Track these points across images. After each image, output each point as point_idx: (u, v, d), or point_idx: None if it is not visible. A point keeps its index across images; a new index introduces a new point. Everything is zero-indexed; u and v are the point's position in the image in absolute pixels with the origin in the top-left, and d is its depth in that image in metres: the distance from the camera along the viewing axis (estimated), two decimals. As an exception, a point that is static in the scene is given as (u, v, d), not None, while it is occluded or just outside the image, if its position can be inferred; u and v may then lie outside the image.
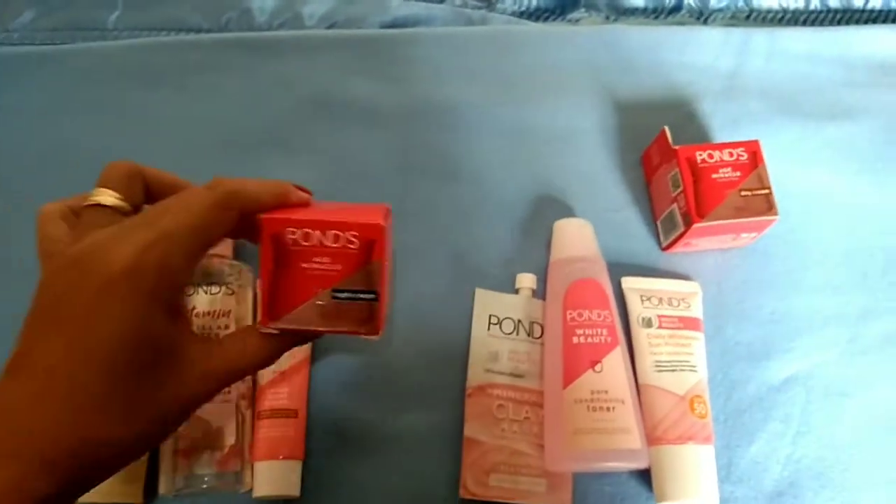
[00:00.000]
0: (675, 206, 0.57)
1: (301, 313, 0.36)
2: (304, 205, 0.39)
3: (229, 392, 0.50)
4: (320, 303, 0.36)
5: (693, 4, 0.76)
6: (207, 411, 0.49)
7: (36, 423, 0.29)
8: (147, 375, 0.32)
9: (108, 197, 0.35)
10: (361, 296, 0.36)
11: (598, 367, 0.51)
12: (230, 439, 0.50)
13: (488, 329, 0.57)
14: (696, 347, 0.55)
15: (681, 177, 0.56)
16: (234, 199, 0.35)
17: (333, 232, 0.36)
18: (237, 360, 0.36)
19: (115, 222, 0.34)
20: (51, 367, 0.30)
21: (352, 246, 0.36)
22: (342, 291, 0.36)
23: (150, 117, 0.64)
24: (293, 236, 0.36)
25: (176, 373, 0.33)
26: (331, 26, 0.70)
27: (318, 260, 0.36)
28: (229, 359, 0.35)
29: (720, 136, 0.64)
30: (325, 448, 0.53)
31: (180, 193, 0.35)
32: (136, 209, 0.36)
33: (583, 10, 0.76)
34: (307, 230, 0.35)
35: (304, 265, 0.36)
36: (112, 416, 0.31)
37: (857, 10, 0.76)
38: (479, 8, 0.74)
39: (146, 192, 0.37)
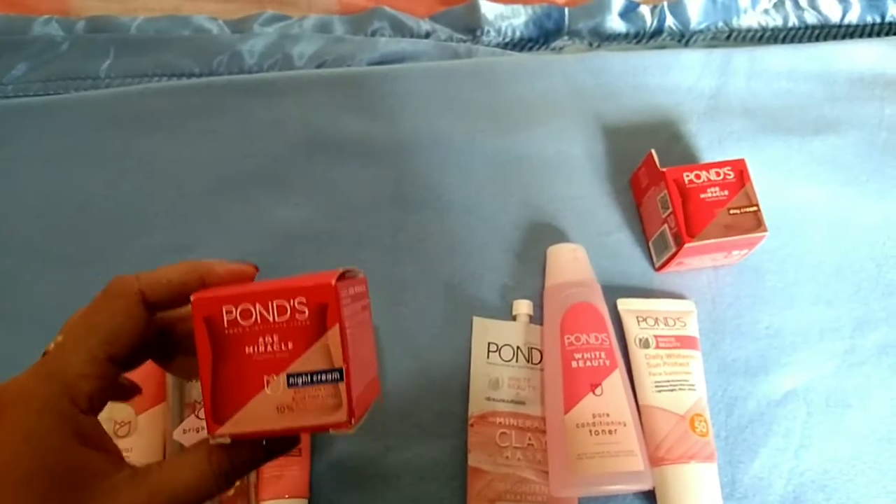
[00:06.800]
0: (665, 226, 0.58)
1: (252, 411, 0.29)
2: (242, 279, 0.33)
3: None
4: (274, 393, 0.29)
5: (674, 27, 0.77)
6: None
7: None
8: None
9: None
10: (323, 376, 0.29)
11: (598, 391, 0.51)
12: (236, 480, 0.50)
13: (487, 357, 0.57)
14: (693, 366, 0.55)
15: (669, 198, 0.57)
16: (123, 284, 0.31)
17: (277, 302, 0.30)
18: (180, 488, 0.29)
19: None
20: None
21: (301, 316, 0.29)
22: (298, 375, 0.29)
23: (145, 163, 0.65)
24: (231, 316, 0.30)
25: (97, 497, 0.28)
26: (320, 65, 0.71)
27: (264, 340, 0.30)
28: (169, 487, 0.29)
29: (706, 156, 0.66)
30: (330, 485, 0.53)
31: None
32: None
33: (566, 37, 0.77)
34: (246, 305, 0.30)
35: (249, 349, 0.30)
36: None
37: (834, 26, 0.78)
38: (464, 41, 0.76)
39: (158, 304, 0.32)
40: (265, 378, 0.29)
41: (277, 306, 0.29)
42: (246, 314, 0.29)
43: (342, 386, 0.29)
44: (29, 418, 0.27)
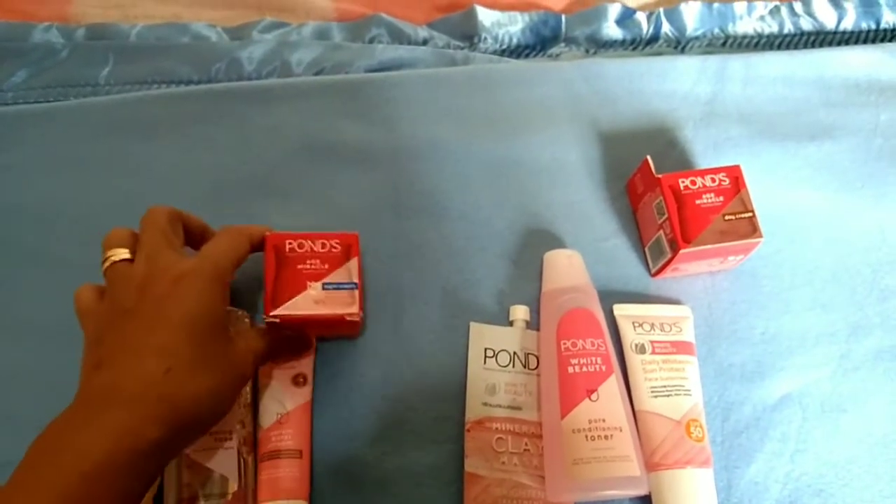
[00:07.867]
0: (661, 232, 0.58)
1: (297, 303, 0.49)
2: None
3: (230, 439, 0.51)
4: (313, 292, 0.49)
5: (670, 34, 0.78)
6: (210, 459, 0.50)
7: (141, 387, 0.39)
8: (218, 340, 0.44)
9: (123, 252, 0.45)
10: (345, 285, 0.50)
11: (594, 396, 0.52)
12: (233, 486, 0.50)
13: (484, 363, 0.57)
14: (689, 371, 0.56)
15: (665, 204, 0.57)
16: (244, 228, 0.50)
17: (321, 240, 0.51)
18: (253, 349, 0.47)
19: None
20: (140, 346, 0.41)
21: (335, 250, 0.51)
22: (330, 283, 0.50)
23: (144, 169, 0.65)
24: (291, 245, 0.51)
25: (231, 342, 0.46)
26: (318, 72, 0.72)
27: (310, 262, 0.50)
28: (253, 346, 0.48)
29: (702, 162, 0.66)
30: (329, 489, 0.54)
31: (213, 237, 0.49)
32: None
33: (563, 44, 0.78)
34: (301, 241, 0.51)
35: (300, 266, 0.50)
36: (198, 372, 0.42)
37: (829, 32, 0.79)
38: (461, 48, 0.76)
39: (186, 233, 0.50)
40: (308, 283, 0.50)
41: (321, 243, 0.51)
42: (300, 245, 0.51)
43: (356, 292, 0.50)
44: (205, 281, 0.43)
